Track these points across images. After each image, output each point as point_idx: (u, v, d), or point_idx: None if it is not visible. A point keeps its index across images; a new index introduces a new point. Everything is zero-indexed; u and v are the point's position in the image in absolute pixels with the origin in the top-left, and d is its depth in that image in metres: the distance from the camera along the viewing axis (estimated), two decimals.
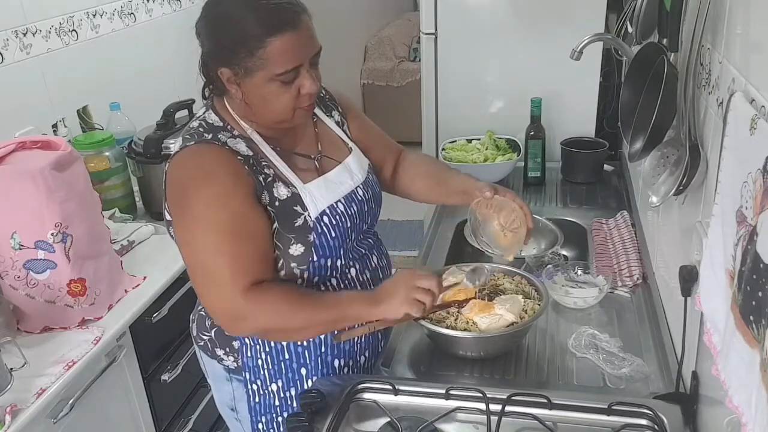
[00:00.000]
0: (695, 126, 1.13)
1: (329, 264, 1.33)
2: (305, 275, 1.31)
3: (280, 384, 1.37)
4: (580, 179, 2.29)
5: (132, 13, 2.59)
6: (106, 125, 2.36)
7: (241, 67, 1.19)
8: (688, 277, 1.13)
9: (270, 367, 1.36)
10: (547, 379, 1.37)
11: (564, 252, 1.92)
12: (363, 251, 1.42)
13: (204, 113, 1.31)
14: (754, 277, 0.73)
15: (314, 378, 1.38)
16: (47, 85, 2.17)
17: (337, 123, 1.46)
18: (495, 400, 1.19)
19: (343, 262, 1.35)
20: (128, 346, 1.77)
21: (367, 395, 1.27)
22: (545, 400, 1.19)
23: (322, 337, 1.36)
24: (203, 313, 1.41)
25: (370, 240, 1.47)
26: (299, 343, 1.35)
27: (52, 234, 1.59)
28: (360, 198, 1.38)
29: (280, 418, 1.40)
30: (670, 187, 1.15)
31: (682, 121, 1.13)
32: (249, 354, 1.35)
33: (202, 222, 1.20)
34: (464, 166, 2.24)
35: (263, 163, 1.27)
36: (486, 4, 2.38)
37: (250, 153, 1.26)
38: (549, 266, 1.66)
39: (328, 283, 1.35)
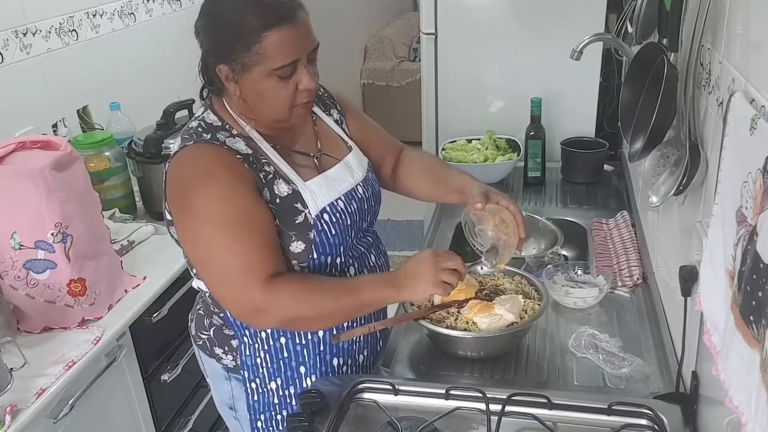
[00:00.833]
0: (695, 126, 1.13)
1: (329, 262, 1.33)
2: (305, 273, 1.31)
3: (279, 382, 1.37)
4: (580, 179, 2.29)
5: (132, 13, 2.59)
6: (106, 125, 2.36)
7: (239, 63, 1.19)
8: (688, 277, 1.13)
9: (269, 365, 1.36)
10: (547, 379, 1.37)
11: (564, 252, 1.92)
12: (362, 250, 1.42)
13: (202, 113, 1.32)
14: (754, 277, 0.73)
15: (313, 376, 1.38)
16: (47, 85, 2.17)
17: (336, 121, 1.46)
18: (495, 400, 1.19)
19: (342, 260, 1.35)
20: (128, 346, 1.77)
21: (367, 395, 1.27)
22: (545, 400, 1.19)
23: (321, 335, 1.36)
24: (202, 312, 1.41)
25: (369, 238, 1.47)
26: (298, 341, 1.35)
27: (52, 234, 1.59)
28: (360, 196, 1.38)
29: (279, 417, 1.40)
30: (670, 187, 1.15)
31: (682, 121, 1.13)
32: (248, 352, 1.35)
33: (208, 221, 1.20)
34: (464, 166, 2.24)
35: (263, 161, 1.27)
36: (486, 4, 2.38)
37: (249, 151, 1.26)
38: (549, 266, 1.66)
39: None
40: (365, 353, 1.46)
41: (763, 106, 0.82)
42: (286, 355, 1.36)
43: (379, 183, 1.50)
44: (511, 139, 2.39)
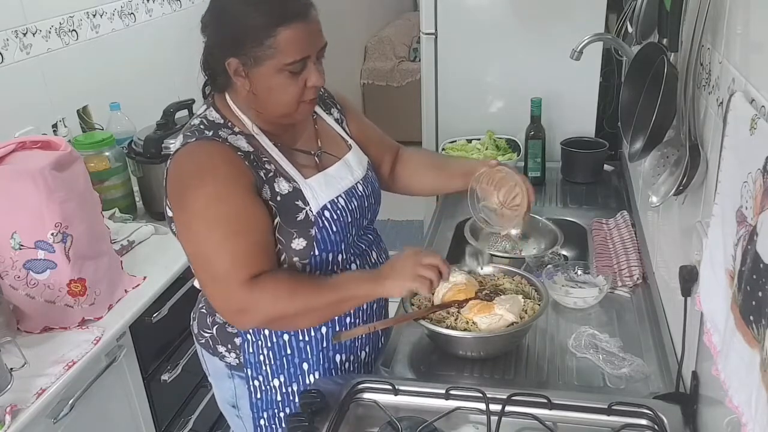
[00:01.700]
0: (695, 126, 1.13)
1: (330, 258, 1.34)
2: (307, 269, 1.32)
3: (282, 379, 1.38)
4: (580, 179, 2.29)
5: (132, 13, 2.59)
6: (106, 125, 2.36)
7: (250, 57, 1.20)
8: (688, 277, 1.13)
9: (272, 362, 1.37)
10: (547, 379, 1.37)
11: (564, 252, 1.92)
12: (363, 247, 1.44)
13: (205, 111, 1.32)
14: (754, 277, 0.73)
15: (316, 373, 1.39)
16: (47, 85, 2.17)
17: (337, 120, 1.47)
18: (495, 400, 1.19)
19: (344, 257, 1.36)
20: (128, 346, 1.77)
21: (367, 395, 1.27)
22: (545, 400, 1.19)
23: (324, 332, 1.36)
24: (204, 310, 1.42)
25: (370, 236, 1.48)
26: (300, 338, 1.36)
27: (52, 234, 1.59)
28: (360, 193, 1.39)
29: (282, 414, 1.41)
30: (670, 187, 1.15)
31: (682, 121, 1.13)
32: (251, 350, 1.36)
33: (202, 218, 1.21)
34: None
35: (264, 159, 1.28)
36: (486, 4, 2.38)
37: (251, 149, 1.27)
38: (549, 266, 1.66)
39: None
40: (367, 350, 1.47)
41: (763, 106, 0.82)
42: (289, 352, 1.36)
43: (379, 182, 1.50)
44: (511, 139, 2.39)
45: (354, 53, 5.25)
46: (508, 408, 1.18)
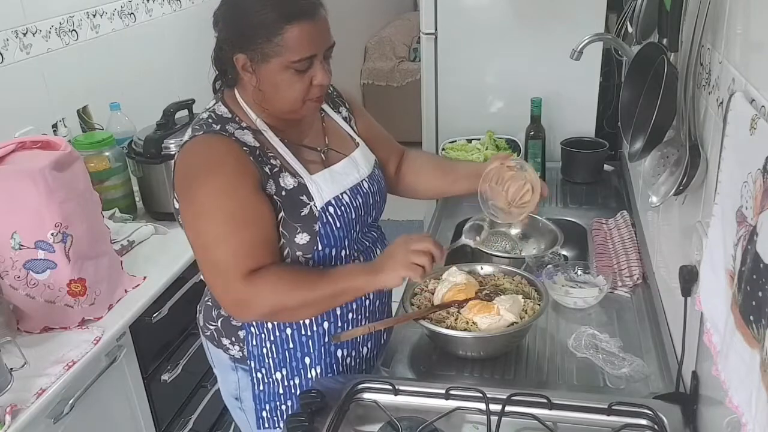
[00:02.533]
0: (695, 126, 1.13)
1: (333, 254, 1.35)
2: (310, 264, 1.33)
3: (284, 372, 1.40)
4: (580, 179, 2.29)
5: (132, 13, 2.59)
6: (106, 125, 2.35)
7: (258, 53, 1.21)
8: (688, 277, 1.13)
9: (275, 355, 1.38)
10: (547, 379, 1.37)
11: (564, 252, 1.92)
12: (367, 244, 1.45)
13: (213, 105, 1.34)
14: (754, 277, 0.73)
15: (318, 367, 1.40)
16: (47, 85, 2.17)
17: (345, 119, 1.48)
18: (495, 400, 1.19)
19: (347, 252, 1.37)
20: (128, 346, 1.77)
21: (367, 395, 1.28)
22: (545, 400, 1.19)
23: (326, 327, 1.38)
24: (210, 303, 1.44)
25: (374, 233, 1.49)
26: (303, 333, 1.37)
27: (52, 234, 1.59)
28: (365, 191, 1.40)
29: (283, 407, 1.42)
30: (670, 187, 1.15)
31: (682, 121, 1.13)
32: (254, 343, 1.38)
33: (207, 211, 1.23)
34: None
35: (270, 154, 1.29)
36: (486, 4, 2.38)
37: (257, 144, 1.29)
38: (549, 266, 1.66)
39: None
40: (369, 346, 1.48)
41: (763, 106, 0.82)
42: (291, 346, 1.38)
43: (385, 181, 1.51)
44: (511, 139, 2.39)
45: (354, 53, 5.25)
46: (508, 408, 1.18)
